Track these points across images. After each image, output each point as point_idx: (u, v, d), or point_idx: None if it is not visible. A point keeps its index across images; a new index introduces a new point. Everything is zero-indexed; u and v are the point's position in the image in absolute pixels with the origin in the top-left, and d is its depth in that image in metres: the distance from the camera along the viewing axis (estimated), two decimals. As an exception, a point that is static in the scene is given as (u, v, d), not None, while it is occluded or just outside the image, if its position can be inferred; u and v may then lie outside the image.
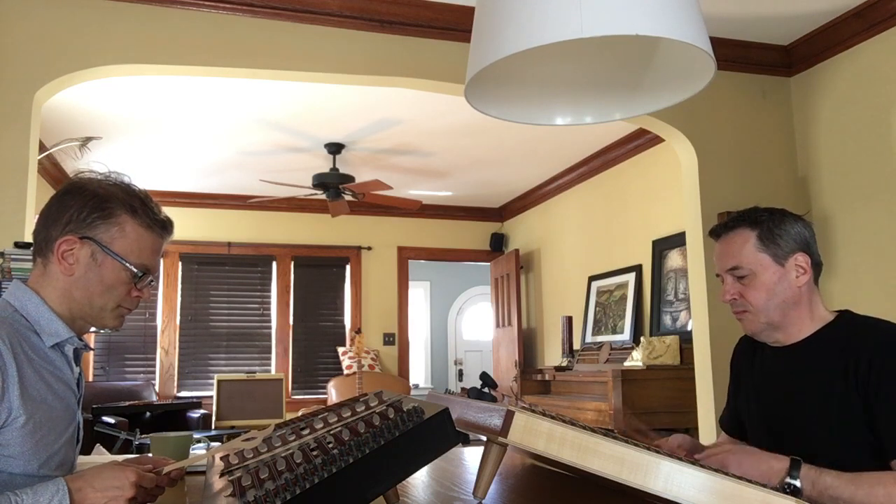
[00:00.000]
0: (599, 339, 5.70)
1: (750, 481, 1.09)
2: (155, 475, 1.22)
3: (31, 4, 3.05)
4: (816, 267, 1.64)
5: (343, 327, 7.60)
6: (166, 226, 1.42)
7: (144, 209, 1.38)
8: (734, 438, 1.84)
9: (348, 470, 0.94)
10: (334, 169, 5.63)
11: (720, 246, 1.68)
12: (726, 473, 1.10)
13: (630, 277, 5.52)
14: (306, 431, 1.18)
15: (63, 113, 4.75)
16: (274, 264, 7.44)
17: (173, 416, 6.18)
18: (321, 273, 7.61)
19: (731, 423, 1.85)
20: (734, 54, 3.90)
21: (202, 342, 7.20)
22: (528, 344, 7.23)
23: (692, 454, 1.51)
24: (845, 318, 1.63)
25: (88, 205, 1.34)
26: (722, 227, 1.68)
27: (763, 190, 3.91)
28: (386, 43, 3.47)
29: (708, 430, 3.68)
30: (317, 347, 7.50)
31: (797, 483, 1.37)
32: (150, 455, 1.70)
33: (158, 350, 7.04)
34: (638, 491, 1.05)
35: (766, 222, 1.62)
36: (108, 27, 3.13)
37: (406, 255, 7.83)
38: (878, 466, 1.44)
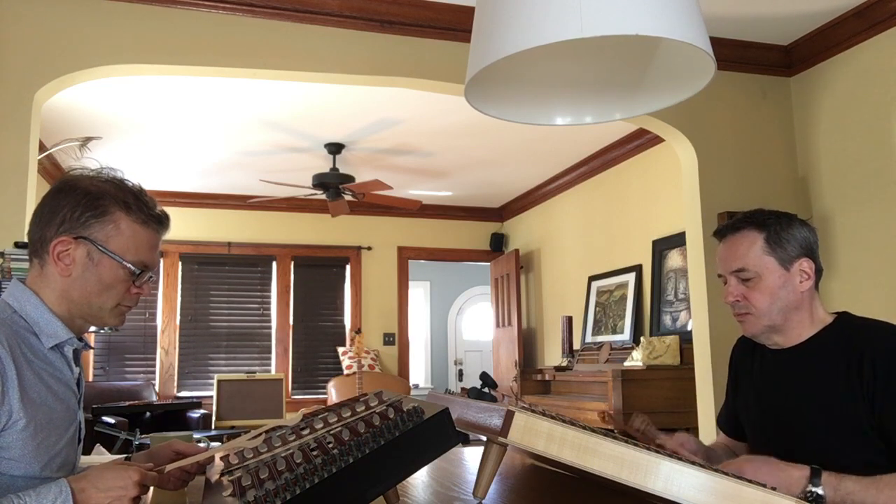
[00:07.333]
0: (599, 339, 5.70)
1: (750, 481, 1.09)
2: (157, 475, 1.22)
3: (31, 4, 3.05)
4: (818, 273, 1.64)
5: (343, 327, 7.60)
6: (162, 220, 1.39)
7: (139, 205, 1.35)
8: (732, 438, 1.84)
9: (348, 470, 0.94)
10: (334, 169, 5.63)
11: (725, 247, 1.66)
12: (726, 473, 1.10)
13: (630, 277, 5.52)
14: (306, 431, 1.18)
15: (63, 113, 4.75)
16: (274, 264, 7.44)
17: (173, 416, 6.19)
18: (321, 273, 7.61)
19: (728, 423, 1.85)
20: (734, 54, 3.90)
21: (202, 342, 7.20)
22: (528, 344, 7.23)
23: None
24: (844, 320, 1.63)
25: (81, 203, 1.31)
26: (727, 228, 1.67)
27: (763, 190, 3.91)
28: (386, 43, 3.47)
29: (708, 430, 3.68)
30: (317, 347, 7.50)
31: (819, 491, 1.37)
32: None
33: (158, 350, 7.04)
34: (638, 491, 1.05)
35: (773, 225, 1.61)
36: (108, 27, 3.12)
37: (406, 255, 7.83)
38: (876, 466, 1.44)
